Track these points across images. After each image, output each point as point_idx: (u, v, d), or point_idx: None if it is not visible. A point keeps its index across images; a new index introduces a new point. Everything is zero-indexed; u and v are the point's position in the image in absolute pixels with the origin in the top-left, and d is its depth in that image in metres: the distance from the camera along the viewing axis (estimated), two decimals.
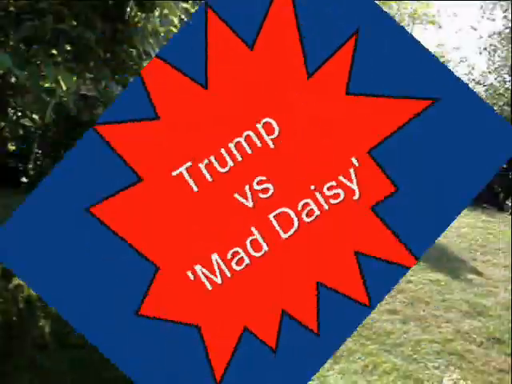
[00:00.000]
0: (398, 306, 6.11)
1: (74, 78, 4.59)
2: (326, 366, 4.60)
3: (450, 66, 24.39)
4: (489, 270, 8.13)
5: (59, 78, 3.60)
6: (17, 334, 4.56)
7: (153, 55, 4.70)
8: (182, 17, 4.67)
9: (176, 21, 4.69)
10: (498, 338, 5.64)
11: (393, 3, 28.60)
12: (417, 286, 6.83)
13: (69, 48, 4.14)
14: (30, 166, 5.66)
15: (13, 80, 3.35)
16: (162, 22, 4.67)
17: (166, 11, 4.40)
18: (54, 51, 4.24)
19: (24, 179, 5.79)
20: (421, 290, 6.72)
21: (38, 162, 5.57)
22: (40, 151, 5.35)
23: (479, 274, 7.81)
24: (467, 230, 10.94)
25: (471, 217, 12.82)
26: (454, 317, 6.07)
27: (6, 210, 7.91)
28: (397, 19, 29.03)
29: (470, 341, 5.52)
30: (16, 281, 5.56)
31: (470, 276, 7.62)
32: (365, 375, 4.56)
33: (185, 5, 4.72)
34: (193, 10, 4.74)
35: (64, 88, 4.12)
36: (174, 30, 4.77)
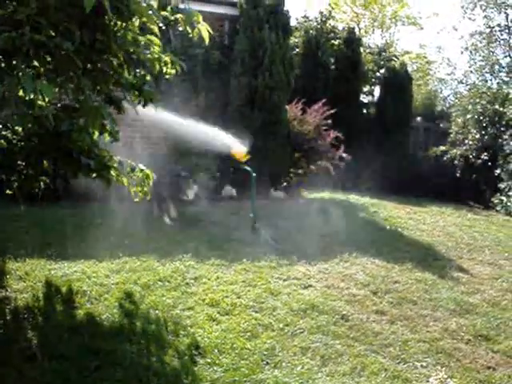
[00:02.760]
0: (385, 307, 6.13)
1: (56, 89, 4.60)
2: (314, 368, 4.64)
3: (433, 66, 24.56)
4: (475, 267, 8.18)
5: (39, 89, 3.60)
6: (4, 345, 4.54)
7: (133, 65, 4.72)
8: (161, 25, 4.68)
9: (156, 29, 4.71)
10: (485, 335, 5.68)
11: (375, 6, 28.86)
12: (404, 286, 6.86)
13: (49, 59, 4.13)
14: (14, 177, 5.65)
15: None
16: (142, 31, 4.68)
17: (144, 19, 4.40)
18: (36, 63, 4.25)
19: (8, 191, 5.78)
20: (408, 290, 6.74)
21: (22, 174, 5.56)
22: (23, 163, 5.33)
23: (466, 271, 7.86)
24: (453, 228, 11.00)
25: (457, 215, 12.91)
26: (441, 315, 6.10)
27: None
28: (378, 22, 29.26)
29: (458, 339, 5.56)
30: (3, 293, 5.55)
31: (457, 274, 7.66)
32: (353, 377, 4.58)
33: (164, 13, 4.73)
34: (172, 18, 4.76)
35: (44, 99, 4.13)
36: (155, 38, 4.78)
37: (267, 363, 4.65)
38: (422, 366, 4.91)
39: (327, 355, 4.90)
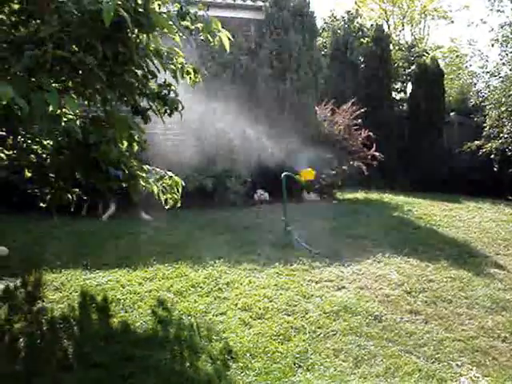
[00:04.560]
0: (419, 306, 6.07)
1: (86, 102, 4.71)
2: (347, 370, 4.62)
3: (465, 60, 24.22)
4: None
5: (64, 103, 3.69)
6: (41, 355, 4.64)
7: (158, 75, 4.80)
8: (181, 35, 4.74)
9: (177, 39, 4.77)
10: None
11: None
12: (438, 285, 6.77)
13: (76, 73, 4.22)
14: (47, 190, 5.78)
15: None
16: (165, 41, 4.74)
17: (165, 30, 4.46)
18: (64, 77, 4.35)
19: (42, 204, 5.92)
20: (443, 288, 6.66)
21: (54, 187, 5.68)
22: (54, 176, 5.44)
23: (502, 268, 7.72)
24: (490, 224, 10.80)
25: (494, 211, 12.69)
26: (477, 313, 6.01)
27: (28, 234, 8.09)
28: (407, 17, 29.00)
29: (494, 337, 5.47)
30: (39, 304, 5.67)
31: (493, 270, 7.52)
32: (386, 378, 4.55)
33: (185, 22, 4.78)
34: (192, 27, 4.81)
35: (70, 112, 4.23)
36: (177, 49, 4.85)
37: (299, 366, 4.65)
38: (457, 365, 4.85)
39: (360, 357, 4.88)
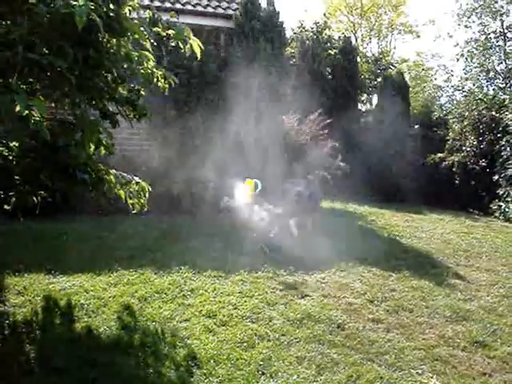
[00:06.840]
0: (381, 315, 6.16)
1: (53, 104, 4.67)
2: (310, 377, 4.66)
3: (430, 73, 24.63)
4: (472, 274, 8.21)
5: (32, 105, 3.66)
6: (2, 360, 4.57)
7: (127, 80, 4.79)
8: (152, 41, 4.74)
9: (148, 45, 4.77)
10: (481, 342, 5.69)
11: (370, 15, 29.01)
12: (400, 294, 6.89)
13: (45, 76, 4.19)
14: (12, 193, 5.69)
15: None
16: (135, 47, 4.74)
17: (136, 36, 4.47)
18: (32, 79, 4.31)
19: (6, 207, 5.82)
20: (404, 298, 6.77)
21: (19, 189, 5.59)
22: (20, 178, 5.37)
23: (462, 278, 7.88)
24: (451, 235, 11.03)
25: (456, 222, 12.96)
26: (437, 323, 6.13)
27: None
28: (375, 31, 29.39)
29: (454, 346, 5.58)
30: (1, 308, 5.58)
31: (454, 281, 7.69)
32: None
33: (156, 29, 4.79)
34: (164, 34, 4.82)
35: (42, 115, 4.19)
36: (147, 54, 4.85)
37: (263, 373, 4.68)
38: (417, 373, 4.93)
39: (323, 364, 4.93)
